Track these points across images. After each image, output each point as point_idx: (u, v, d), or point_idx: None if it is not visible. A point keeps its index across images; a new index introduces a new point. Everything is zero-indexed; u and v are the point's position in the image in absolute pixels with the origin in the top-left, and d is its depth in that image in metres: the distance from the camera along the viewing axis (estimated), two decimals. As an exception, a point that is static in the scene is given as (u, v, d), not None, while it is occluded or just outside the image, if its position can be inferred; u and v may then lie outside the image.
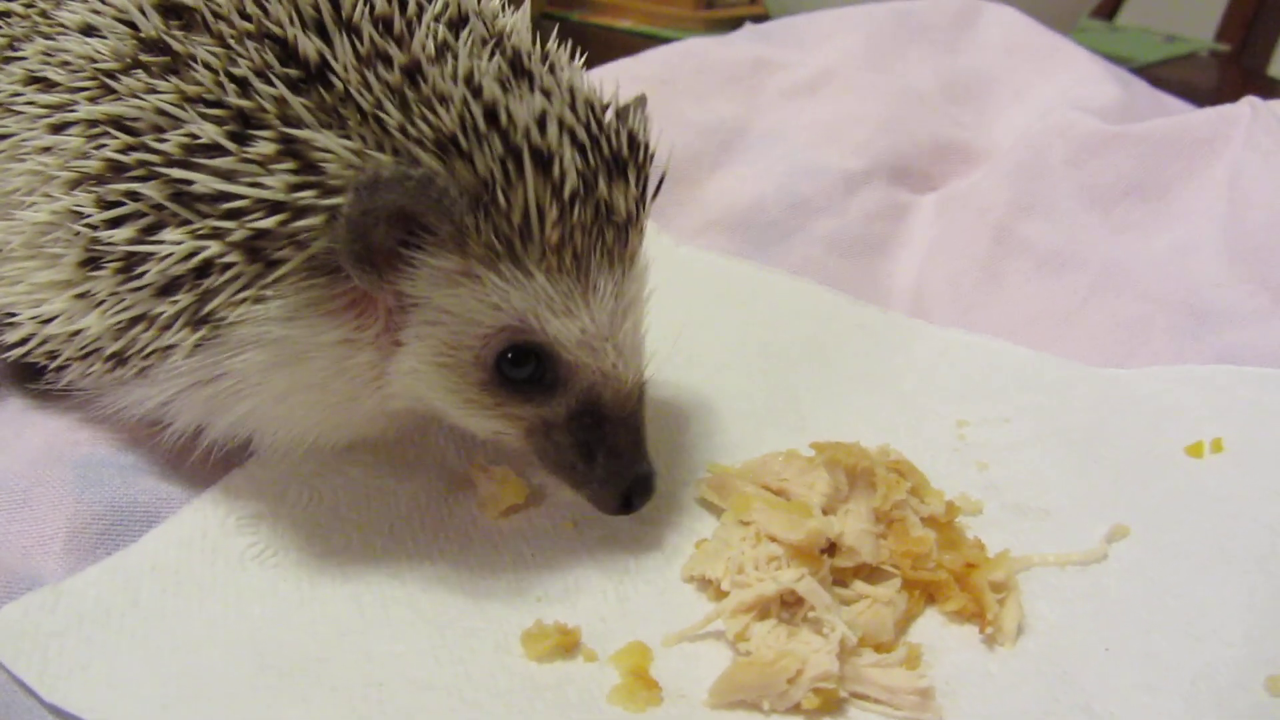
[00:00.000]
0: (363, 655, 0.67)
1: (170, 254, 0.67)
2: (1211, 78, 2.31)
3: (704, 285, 1.09)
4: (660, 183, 0.77)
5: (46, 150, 0.72)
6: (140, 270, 0.68)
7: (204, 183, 0.66)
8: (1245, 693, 0.65)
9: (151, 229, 0.68)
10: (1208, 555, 0.76)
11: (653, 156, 0.75)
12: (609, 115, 0.74)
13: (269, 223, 0.65)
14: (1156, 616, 0.72)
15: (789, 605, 0.70)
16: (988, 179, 1.22)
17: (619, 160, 0.71)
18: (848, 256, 1.18)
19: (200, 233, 0.67)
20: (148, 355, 0.71)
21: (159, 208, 0.68)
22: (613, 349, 0.71)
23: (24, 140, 0.73)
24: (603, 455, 0.73)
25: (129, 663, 0.65)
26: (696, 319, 1.03)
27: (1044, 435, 0.90)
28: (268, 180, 0.65)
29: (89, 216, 0.69)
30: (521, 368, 0.70)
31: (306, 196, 0.65)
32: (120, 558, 0.73)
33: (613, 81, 1.38)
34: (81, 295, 0.71)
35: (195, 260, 0.67)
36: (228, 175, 0.66)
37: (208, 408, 0.74)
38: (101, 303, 0.71)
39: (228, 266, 0.67)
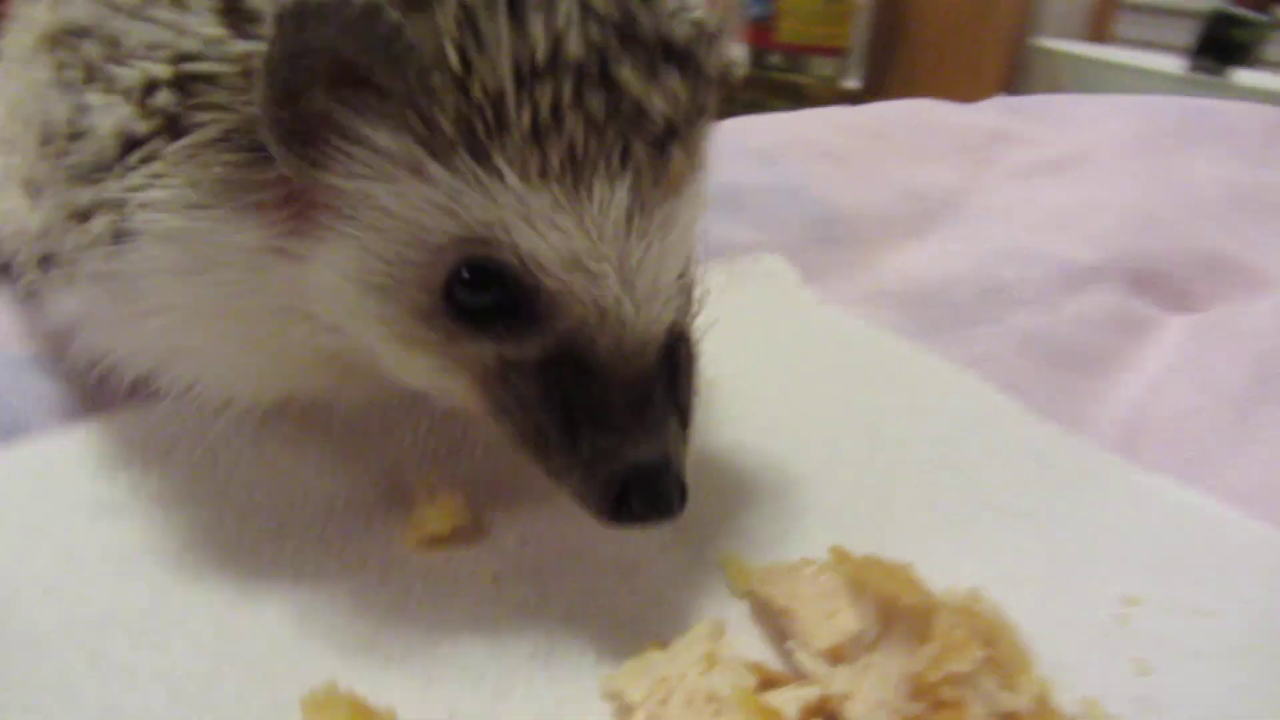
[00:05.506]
0: (87, 655, 0.47)
1: (97, 127, 0.54)
2: None
3: (833, 352, 0.83)
4: (728, 93, 0.54)
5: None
6: (75, 149, 0.56)
7: (134, 32, 0.52)
8: None
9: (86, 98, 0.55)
10: None
11: (723, 61, 0.54)
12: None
13: (167, 71, 0.50)
14: None
15: (726, 778, 0.43)
16: (1267, 305, 0.90)
17: (662, 44, 0.50)
18: (1046, 365, 0.88)
19: (117, 98, 0.53)
20: (73, 258, 0.57)
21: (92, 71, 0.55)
22: (616, 276, 0.49)
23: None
24: (588, 425, 0.49)
25: None
26: (806, 385, 0.78)
27: (1264, 648, 0.58)
28: (188, 21, 0.50)
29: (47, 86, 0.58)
30: (479, 292, 0.49)
31: (222, 37, 0.49)
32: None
33: (819, 126, 1.19)
34: (30, 184, 0.60)
35: (120, 136, 0.53)
36: (150, 19, 0.52)
37: (117, 329, 0.58)
38: (43, 191, 0.59)
39: (142, 142, 0.52)
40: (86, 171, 0.54)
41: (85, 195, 0.54)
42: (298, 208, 0.50)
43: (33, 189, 0.60)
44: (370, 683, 0.48)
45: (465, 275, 0.49)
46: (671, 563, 0.58)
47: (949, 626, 0.48)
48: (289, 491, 0.61)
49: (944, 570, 0.59)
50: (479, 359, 0.51)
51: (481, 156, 0.47)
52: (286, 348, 0.55)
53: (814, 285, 0.96)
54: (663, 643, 0.51)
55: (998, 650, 0.50)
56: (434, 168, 0.47)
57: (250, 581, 0.54)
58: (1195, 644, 0.58)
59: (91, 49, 0.54)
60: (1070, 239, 0.98)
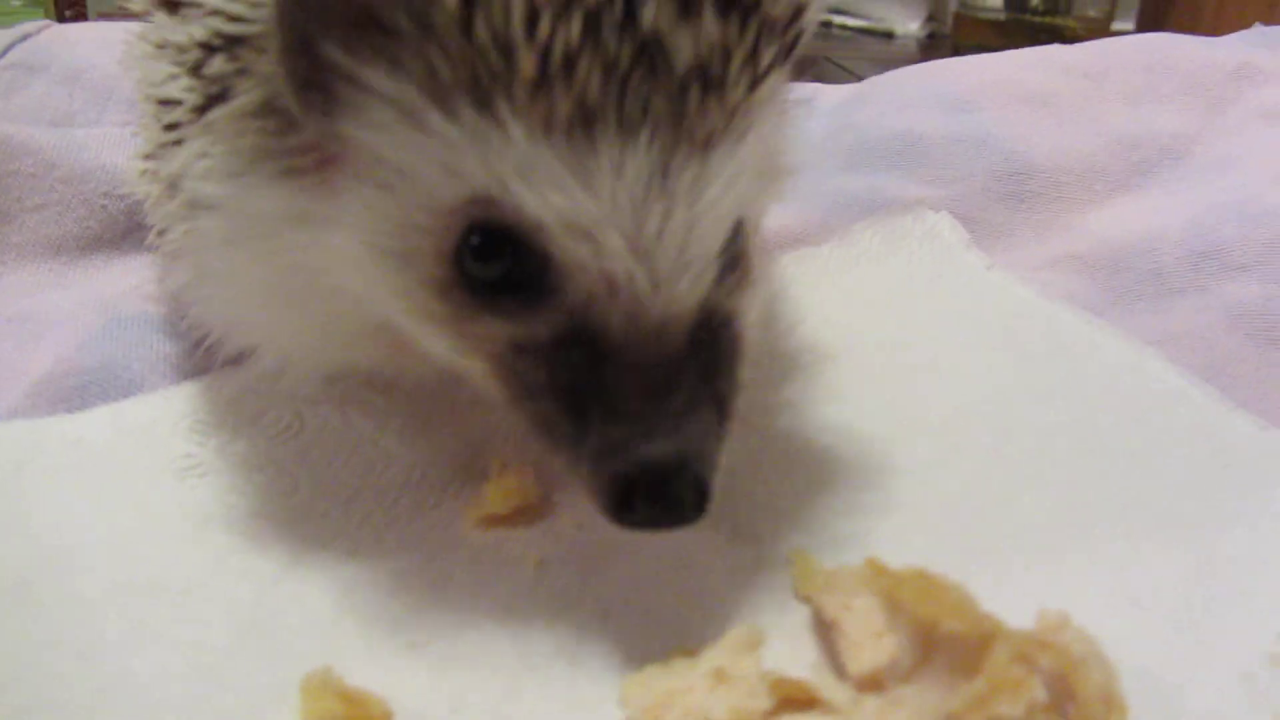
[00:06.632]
0: (127, 622, 0.49)
1: (181, 101, 0.56)
2: None
3: (985, 324, 0.74)
4: (793, 45, 0.48)
5: None
6: (168, 112, 0.58)
7: None
8: None
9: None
10: None
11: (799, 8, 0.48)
12: None
13: (205, 31, 0.50)
14: None
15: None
16: None
17: None
18: (1261, 344, 0.75)
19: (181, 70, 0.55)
20: (180, 231, 0.59)
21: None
22: (624, 243, 0.44)
23: None
24: (598, 415, 0.45)
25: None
26: (941, 361, 0.70)
27: None
28: None
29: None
30: (489, 262, 0.46)
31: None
32: (63, 421, 0.63)
33: (1026, 67, 1.06)
34: (149, 157, 0.64)
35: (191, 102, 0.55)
36: None
37: (202, 301, 0.61)
38: (153, 160, 0.62)
39: (206, 108, 0.53)
40: (174, 135, 0.56)
41: (175, 162, 0.56)
42: (322, 174, 0.49)
43: (149, 160, 0.63)
44: (383, 668, 0.47)
45: (475, 242, 0.46)
46: (732, 558, 0.53)
47: (1006, 659, 0.40)
48: (368, 460, 0.61)
49: (1065, 587, 0.51)
50: (493, 338, 0.47)
51: (485, 106, 0.43)
52: (333, 318, 0.54)
53: (994, 247, 0.85)
54: (696, 649, 0.47)
55: (1080, 692, 0.42)
56: (435, 118, 0.44)
57: (306, 553, 0.55)
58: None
59: (163, 17, 0.56)
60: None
